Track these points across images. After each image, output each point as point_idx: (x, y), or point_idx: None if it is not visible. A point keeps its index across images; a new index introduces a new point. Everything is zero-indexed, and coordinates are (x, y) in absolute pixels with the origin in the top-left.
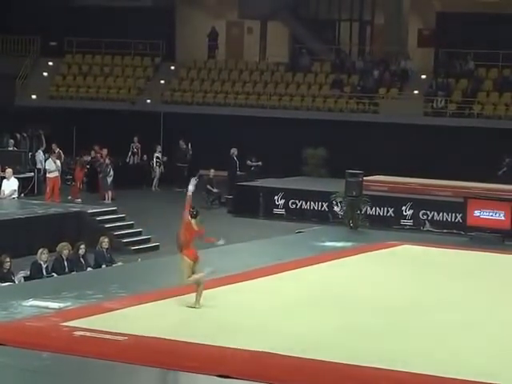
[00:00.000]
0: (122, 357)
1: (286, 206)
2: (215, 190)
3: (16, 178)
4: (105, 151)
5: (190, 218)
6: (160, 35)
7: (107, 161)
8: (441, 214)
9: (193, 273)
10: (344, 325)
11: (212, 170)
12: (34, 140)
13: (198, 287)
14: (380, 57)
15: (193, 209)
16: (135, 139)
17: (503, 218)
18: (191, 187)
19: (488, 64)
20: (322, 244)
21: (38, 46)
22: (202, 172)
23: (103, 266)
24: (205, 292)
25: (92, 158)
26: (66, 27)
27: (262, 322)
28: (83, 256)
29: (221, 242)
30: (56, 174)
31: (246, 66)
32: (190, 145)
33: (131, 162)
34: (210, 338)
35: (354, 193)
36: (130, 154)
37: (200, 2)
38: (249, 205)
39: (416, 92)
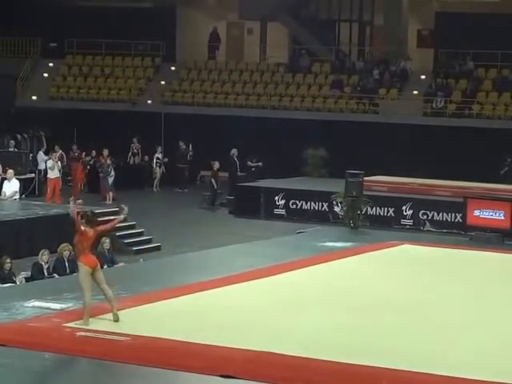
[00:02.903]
0: (124, 357)
1: (286, 206)
2: (216, 187)
3: (17, 179)
4: (106, 152)
5: (82, 221)
6: (160, 36)
7: (108, 161)
8: (441, 214)
9: (95, 281)
10: (345, 324)
11: (216, 163)
12: (34, 141)
13: (112, 302)
14: (380, 57)
15: (87, 213)
16: (135, 140)
17: (503, 218)
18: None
19: (487, 64)
20: (323, 244)
21: (39, 47)
22: (202, 173)
23: (105, 266)
24: (206, 292)
25: (93, 158)
26: (67, 28)
27: (263, 322)
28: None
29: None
30: (57, 175)
31: (246, 67)
32: (190, 145)
33: (132, 163)
34: (212, 339)
35: (355, 193)
36: (130, 154)
37: (200, 2)
38: (249, 205)
39: (415, 92)
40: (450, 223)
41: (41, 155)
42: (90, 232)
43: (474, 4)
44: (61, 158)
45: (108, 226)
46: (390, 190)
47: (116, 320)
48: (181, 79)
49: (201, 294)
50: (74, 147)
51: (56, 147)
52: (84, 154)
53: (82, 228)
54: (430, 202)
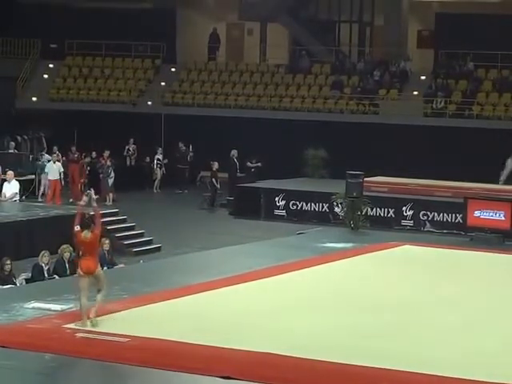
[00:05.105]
0: (125, 358)
1: (286, 207)
2: (218, 186)
3: (17, 180)
4: (107, 153)
5: (78, 228)
6: (161, 37)
7: (108, 162)
8: (441, 215)
9: (96, 288)
10: (345, 325)
11: (216, 163)
12: (34, 142)
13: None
14: (380, 58)
15: (85, 218)
16: (131, 141)
17: (503, 218)
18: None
19: (487, 65)
20: (323, 245)
21: (39, 48)
22: (202, 173)
23: (104, 267)
24: (207, 293)
25: (92, 159)
26: (67, 29)
27: (263, 323)
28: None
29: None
30: (57, 176)
31: (246, 68)
32: (190, 146)
33: (128, 164)
34: (212, 340)
35: (355, 194)
36: (125, 155)
37: (200, 3)
38: (250, 206)
39: (416, 93)
40: (451, 224)
41: (46, 156)
42: (86, 237)
43: (474, 5)
44: (57, 159)
45: (97, 223)
46: (390, 191)
47: (92, 325)
48: (181, 80)
49: (201, 295)
50: (73, 149)
51: (54, 148)
52: (84, 155)
53: (78, 229)
54: (430, 203)
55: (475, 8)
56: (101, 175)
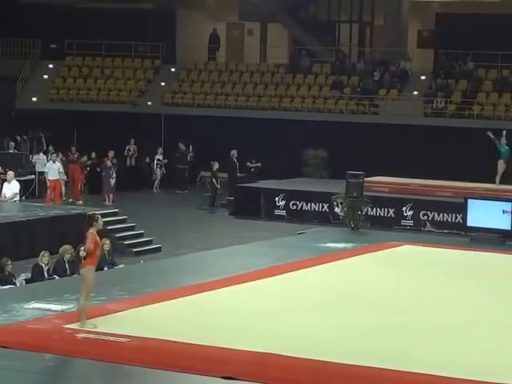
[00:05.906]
0: (125, 359)
1: (286, 207)
2: (219, 187)
3: (17, 180)
4: (111, 153)
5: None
6: (160, 37)
7: (109, 163)
8: (441, 215)
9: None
10: (345, 325)
11: (216, 163)
12: (34, 142)
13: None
14: (380, 58)
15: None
16: (132, 141)
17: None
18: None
19: (487, 65)
20: (323, 245)
21: (39, 48)
22: (203, 173)
23: (105, 268)
24: (207, 293)
25: (92, 159)
26: (67, 30)
27: (263, 324)
28: (84, 258)
29: None
30: (56, 176)
31: (246, 68)
32: (191, 147)
33: (128, 164)
34: (213, 340)
35: (355, 194)
36: (126, 155)
37: (200, 3)
38: (250, 206)
39: (416, 93)
40: (451, 224)
41: (35, 156)
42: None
43: (474, 5)
44: (57, 159)
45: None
46: (390, 191)
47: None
48: (181, 80)
49: (201, 296)
50: (73, 149)
51: (50, 148)
52: (85, 155)
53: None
54: (430, 203)
55: (475, 8)
56: (103, 175)
